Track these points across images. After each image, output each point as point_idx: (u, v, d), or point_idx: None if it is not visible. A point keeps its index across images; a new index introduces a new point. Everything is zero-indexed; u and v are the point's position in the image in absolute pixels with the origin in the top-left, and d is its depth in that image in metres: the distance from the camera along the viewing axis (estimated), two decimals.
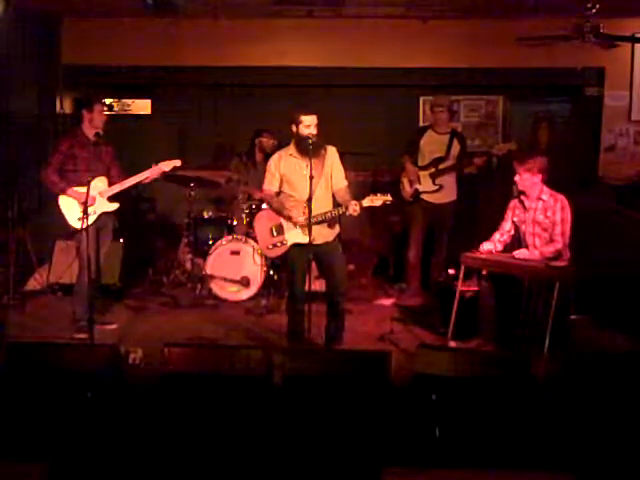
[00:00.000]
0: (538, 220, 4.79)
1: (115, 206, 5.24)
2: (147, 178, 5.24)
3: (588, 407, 3.23)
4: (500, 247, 4.94)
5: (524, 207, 4.86)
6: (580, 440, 3.02)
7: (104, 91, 7.69)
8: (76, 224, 5.04)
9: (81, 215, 4.80)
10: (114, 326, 5.41)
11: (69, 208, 5.11)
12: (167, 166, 5.23)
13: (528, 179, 4.75)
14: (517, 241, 4.96)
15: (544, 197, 4.77)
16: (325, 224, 4.58)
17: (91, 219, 5.02)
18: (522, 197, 4.87)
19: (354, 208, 4.36)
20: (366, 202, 4.38)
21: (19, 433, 2.87)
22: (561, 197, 4.76)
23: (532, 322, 4.50)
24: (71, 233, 5.27)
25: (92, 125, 5.18)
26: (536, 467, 2.69)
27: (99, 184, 5.14)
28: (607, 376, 3.46)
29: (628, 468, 2.80)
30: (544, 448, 2.88)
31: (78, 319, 5.16)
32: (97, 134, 5.20)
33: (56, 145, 5.18)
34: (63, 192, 5.08)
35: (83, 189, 4.79)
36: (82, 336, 4.97)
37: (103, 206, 5.18)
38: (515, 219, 4.92)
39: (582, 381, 3.66)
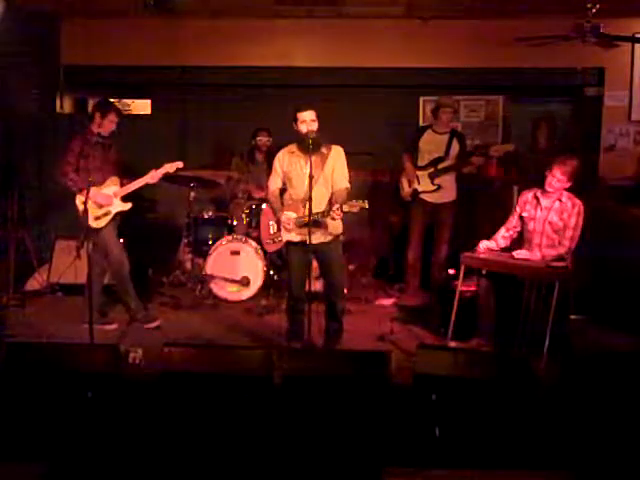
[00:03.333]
0: (551, 221, 4.72)
1: (129, 206, 5.34)
2: (152, 178, 5.30)
3: (587, 407, 3.23)
4: (505, 243, 4.90)
5: (539, 205, 4.78)
6: (579, 439, 3.02)
7: (104, 91, 7.68)
8: (93, 224, 5.18)
9: (99, 215, 5.13)
10: (114, 326, 5.43)
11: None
12: (171, 168, 5.33)
13: (562, 181, 4.64)
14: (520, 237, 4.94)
15: (563, 199, 4.70)
16: (318, 225, 4.57)
17: (107, 219, 5.21)
18: (539, 194, 4.78)
19: (336, 212, 4.33)
20: (345, 207, 4.34)
21: (19, 433, 2.87)
22: (579, 203, 4.69)
23: (532, 322, 4.50)
24: (75, 233, 5.34)
25: (99, 129, 5.26)
26: (536, 466, 2.69)
27: (112, 184, 5.27)
28: (606, 376, 3.46)
29: (627, 467, 2.80)
30: (544, 447, 2.88)
31: (138, 312, 5.42)
32: (105, 136, 5.28)
33: (69, 145, 5.24)
34: (81, 191, 5.14)
35: (100, 189, 5.13)
36: (112, 327, 5.35)
37: (118, 206, 5.29)
38: (525, 214, 4.84)
39: (582, 381, 3.67)
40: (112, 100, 5.71)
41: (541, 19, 6.44)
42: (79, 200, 5.15)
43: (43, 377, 3.04)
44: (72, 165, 5.15)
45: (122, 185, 5.31)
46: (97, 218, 5.20)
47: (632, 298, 5.18)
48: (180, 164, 5.37)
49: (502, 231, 4.92)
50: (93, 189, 5.10)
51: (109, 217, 5.25)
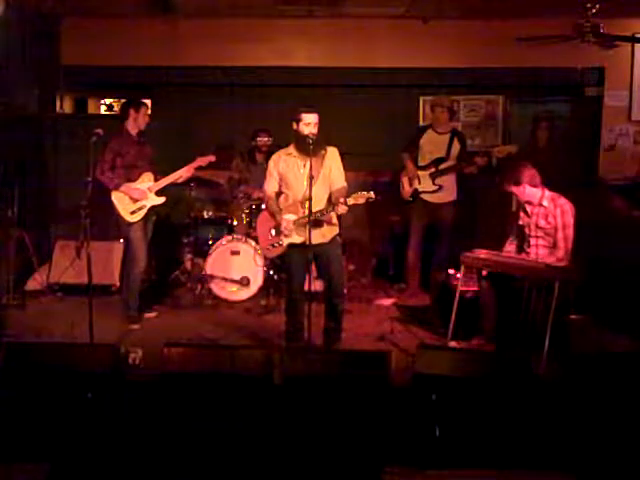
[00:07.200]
0: (540, 225, 4.77)
1: (162, 200, 5.51)
2: (186, 172, 5.54)
3: (588, 407, 3.23)
4: (513, 251, 4.95)
5: (527, 214, 4.84)
6: (580, 440, 3.02)
7: (104, 91, 7.69)
8: (129, 218, 5.35)
9: (134, 209, 5.33)
10: (155, 314, 5.74)
11: (122, 203, 5.36)
12: (203, 161, 5.59)
13: (519, 191, 4.72)
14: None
15: (544, 203, 4.73)
16: (319, 224, 4.57)
17: (142, 213, 5.39)
18: (525, 205, 4.84)
19: (342, 207, 4.35)
20: (351, 200, 4.35)
21: (19, 433, 2.87)
22: (562, 202, 4.71)
23: (532, 322, 4.50)
24: (73, 232, 5.40)
25: (136, 124, 5.43)
26: (536, 467, 2.69)
27: (147, 179, 5.44)
28: (606, 376, 3.46)
29: (628, 468, 2.80)
30: (544, 448, 2.88)
31: (130, 310, 5.46)
32: (140, 132, 5.46)
33: (108, 145, 5.34)
34: (117, 188, 5.32)
35: (135, 184, 5.34)
36: (137, 327, 5.39)
37: (152, 200, 5.46)
38: (521, 222, 4.92)
39: (581, 381, 3.67)
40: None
41: (541, 19, 6.43)
42: (115, 196, 5.33)
43: (43, 377, 3.04)
44: (108, 163, 5.30)
45: (156, 180, 5.47)
46: (132, 212, 5.36)
47: (632, 298, 5.17)
48: (212, 158, 5.60)
49: (507, 241, 4.98)
50: (126, 184, 5.32)
51: (143, 211, 5.40)
